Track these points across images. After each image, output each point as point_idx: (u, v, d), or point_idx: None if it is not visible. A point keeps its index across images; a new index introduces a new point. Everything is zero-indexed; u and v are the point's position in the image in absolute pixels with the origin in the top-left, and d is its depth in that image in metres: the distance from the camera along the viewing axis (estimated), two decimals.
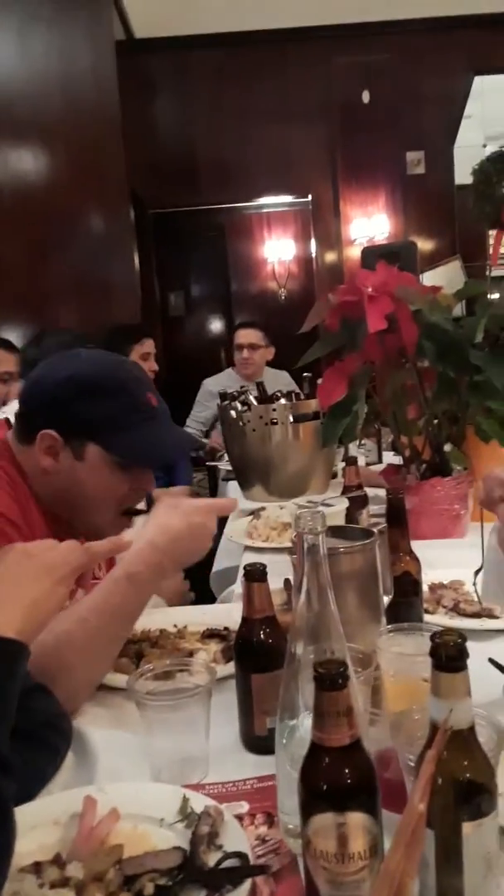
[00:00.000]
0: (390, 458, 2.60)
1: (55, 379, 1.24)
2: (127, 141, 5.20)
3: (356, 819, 0.61)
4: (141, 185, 5.69)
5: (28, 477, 1.27)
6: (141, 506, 1.36)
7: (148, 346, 3.48)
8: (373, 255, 4.43)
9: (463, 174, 5.96)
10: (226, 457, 2.92)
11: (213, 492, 3.93)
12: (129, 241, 5.33)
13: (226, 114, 6.18)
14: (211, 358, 6.69)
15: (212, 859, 0.70)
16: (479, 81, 6.17)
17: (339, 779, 0.60)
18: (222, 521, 2.21)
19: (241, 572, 1.07)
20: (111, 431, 1.22)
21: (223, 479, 3.26)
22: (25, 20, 5.09)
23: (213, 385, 4.26)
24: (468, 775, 0.60)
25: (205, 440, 4.14)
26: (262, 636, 0.93)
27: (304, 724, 0.72)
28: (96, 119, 5.10)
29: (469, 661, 0.61)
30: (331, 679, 0.60)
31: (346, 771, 0.60)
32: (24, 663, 0.78)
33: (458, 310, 2.02)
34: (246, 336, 4.22)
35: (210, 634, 1.21)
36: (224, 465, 3.19)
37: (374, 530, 1.04)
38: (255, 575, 0.94)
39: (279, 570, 1.19)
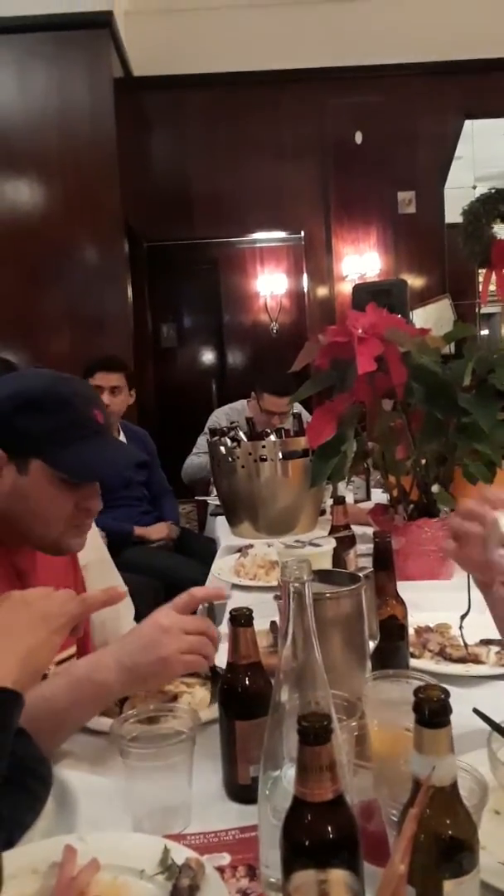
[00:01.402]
0: (378, 495, 2.61)
1: None
2: (123, 175, 5.30)
3: (337, 876, 0.60)
4: (136, 218, 5.76)
5: None
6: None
7: (115, 379, 3.25)
8: (364, 292, 4.50)
9: (453, 214, 6.08)
10: (215, 491, 2.91)
11: (202, 525, 3.91)
12: (123, 272, 5.39)
13: (221, 151, 6.28)
14: (202, 389, 6.73)
15: None
16: (469, 124, 6.31)
17: (322, 835, 0.60)
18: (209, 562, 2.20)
19: (226, 614, 1.07)
20: (55, 447, 1.21)
21: (211, 514, 3.25)
22: (25, 57, 5.20)
23: (225, 420, 4.03)
24: (450, 833, 0.60)
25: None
26: (246, 682, 0.93)
27: (288, 774, 0.71)
28: (93, 153, 5.19)
29: (454, 709, 0.61)
30: (314, 733, 0.60)
31: (329, 827, 0.60)
32: (19, 713, 0.78)
33: (448, 348, 2.04)
34: (281, 406, 3.76)
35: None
36: (213, 500, 3.18)
37: (361, 575, 1.05)
38: (241, 620, 0.94)
39: (266, 610, 1.19)
